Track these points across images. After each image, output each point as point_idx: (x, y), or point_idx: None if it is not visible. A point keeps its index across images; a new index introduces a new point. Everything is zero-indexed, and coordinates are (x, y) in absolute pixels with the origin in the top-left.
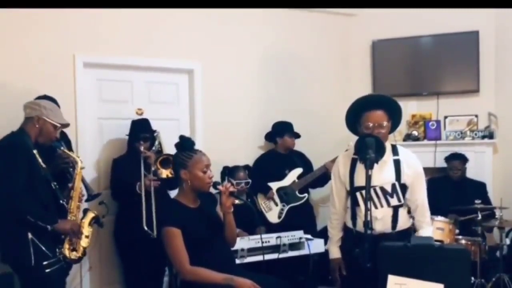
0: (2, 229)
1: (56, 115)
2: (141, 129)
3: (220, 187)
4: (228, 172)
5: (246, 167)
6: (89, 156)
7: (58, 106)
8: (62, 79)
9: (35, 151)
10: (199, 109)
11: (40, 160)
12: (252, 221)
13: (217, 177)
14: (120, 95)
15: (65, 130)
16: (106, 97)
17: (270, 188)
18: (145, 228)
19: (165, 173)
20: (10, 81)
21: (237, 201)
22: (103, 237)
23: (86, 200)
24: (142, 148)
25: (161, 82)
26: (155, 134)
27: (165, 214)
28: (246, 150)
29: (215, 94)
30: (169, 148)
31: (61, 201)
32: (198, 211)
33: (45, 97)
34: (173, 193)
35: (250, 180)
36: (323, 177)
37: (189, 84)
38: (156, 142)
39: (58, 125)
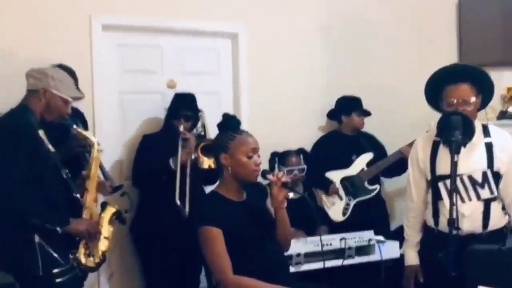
0: (1, 231)
1: (67, 87)
2: (183, 105)
3: (270, 176)
4: (278, 159)
5: (300, 151)
6: (109, 139)
7: (76, 78)
8: (76, 46)
9: (41, 132)
10: (244, 82)
11: (47, 142)
12: (310, 218)
13: (264, 166)
14: (147, 64)
15: (80, 107)
16: (130, 66)
17: (330, 182)
18: (178, 201)
19: (207, 162)
20: (15, 49)
21: (291, 195)
22: (127, 237)
23: (115, 191)
24: (181, 128)
25: (198, 49)
26: (199, 114)
27: (202, 209)
28: (303, 132)
29: (264, 63)
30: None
31: (74, 194)
32: (243, 205)
33: (61, 67)
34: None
35: (304, 166)
36: (399, 164)
37: (233, 52)
38: (199, 124)
39: (70, 99)
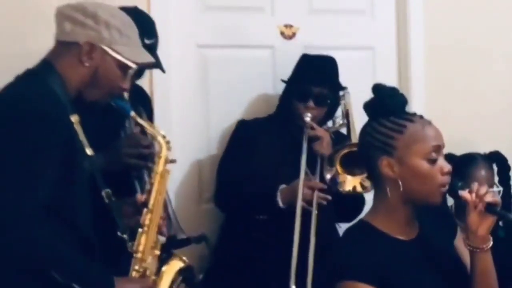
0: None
1: (131, 43)
2: (314, 76)
3: (464, 193)
4: (457, 168)
5: (492, 157)
6: (180, 136)
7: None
8: None
9: (74, 120)
10: (416, 34)
11: (83, 139)
12: None
13: None
14: None
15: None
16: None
17: None
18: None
19: (351, 183)
20: None
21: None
22: None
23: (167, 248)
24: (308, 118)
25: None
26: (341, 94)
27: (346, 253)
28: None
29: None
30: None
31: (119, 233)
32: (416, 247)
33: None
34: None
35: (500, 189)
36: None
37: None
38: (340, 110)
39: (133, 65)
